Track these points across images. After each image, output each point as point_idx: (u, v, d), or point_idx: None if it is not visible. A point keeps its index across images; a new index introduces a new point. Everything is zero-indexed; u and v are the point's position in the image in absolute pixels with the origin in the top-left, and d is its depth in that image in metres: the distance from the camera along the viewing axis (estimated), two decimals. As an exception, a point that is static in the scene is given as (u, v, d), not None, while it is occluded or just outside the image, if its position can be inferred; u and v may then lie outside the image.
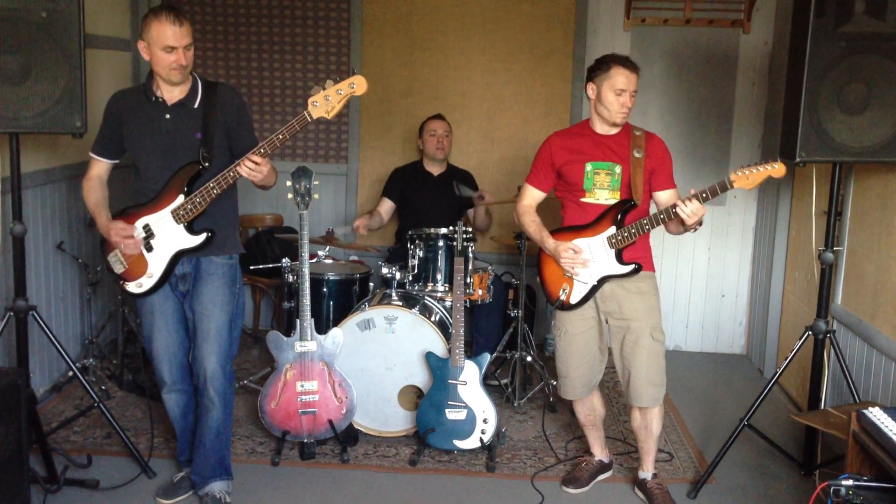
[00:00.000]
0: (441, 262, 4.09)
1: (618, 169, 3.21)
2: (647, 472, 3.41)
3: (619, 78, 3.13)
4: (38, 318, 3.42)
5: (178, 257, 3.12)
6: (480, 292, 4.15)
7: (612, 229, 3.19)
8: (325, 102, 2.93)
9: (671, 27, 5.04)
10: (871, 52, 3.18)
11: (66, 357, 3.48)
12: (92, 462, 3.48)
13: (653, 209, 3.26)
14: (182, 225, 3.07)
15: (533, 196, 3.39)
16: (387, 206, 4.76)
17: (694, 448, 3.90)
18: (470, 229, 3.93)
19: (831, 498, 2.31)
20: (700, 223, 3.08)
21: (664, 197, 3.26)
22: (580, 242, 3.23)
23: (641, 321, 3.22)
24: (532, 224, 3.36)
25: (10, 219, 3.37)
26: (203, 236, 3.09)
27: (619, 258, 3.20)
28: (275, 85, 5.24)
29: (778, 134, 3.82)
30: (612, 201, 3.22)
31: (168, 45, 2.94)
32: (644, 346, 3.21)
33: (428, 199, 4.68)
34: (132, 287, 3.16)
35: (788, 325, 4.70)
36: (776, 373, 3.56)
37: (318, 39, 5.19)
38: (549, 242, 3.28)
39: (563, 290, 3.28)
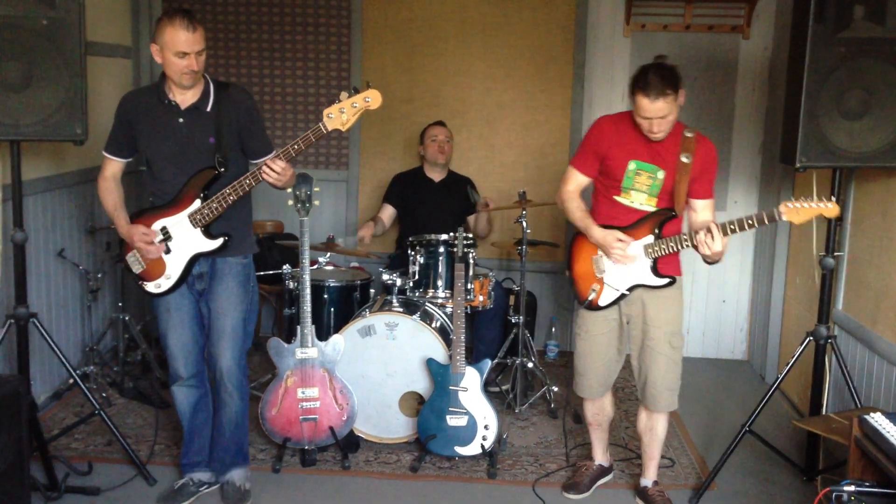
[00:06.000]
0: (442, 269, 4.09)
1: (661, 174, 3.07)
2: (648, 480, 3.41)
3: (640, 106, 2.95)
4: (39, 326, 3.42)
5: (195, 259, 3.17)
6: (481, 298, 4.14)
7: (650, 238, 3.11)
8: (339, 115, 2.96)
9: (671, 33, 5.04)
10: (871, 57, 3.18)
11: (67, 364, 3.49)
12: (93, 469, 3.48)
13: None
14: (199, 228, 3.11)
15: (577, 181, 3.23)
16: (388, 212, 4.77)
17: (696, 454, 3.89)
18: (470, 235, 3.93)
19: (833, 504, 2.31)
20: (718, 260, 3.02)
21: (699, 205, 3.15)
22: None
23: (661, 328, 3.19)
24: (578, 211, 3.22)
25: (10, 226, 3.37)
26: (220, 240, 3.14)
27: (655, 269, 3.14)
28: (275, 91, 5.24)
29: (778, 139, 3.82)
30: (647, 208, 3.11)
31: (181, 51, 2.95)
32: (662, 353, 3.20)
33: (429, 205, 4.68)
34: (151, 287, 3.21)
35: (790, 331, 4.69)
36: (777, 378, 3.55)
37: (318, 46, 5.20)
38: (596, 231, 3.14)
39: (593, 289, 3.21)
